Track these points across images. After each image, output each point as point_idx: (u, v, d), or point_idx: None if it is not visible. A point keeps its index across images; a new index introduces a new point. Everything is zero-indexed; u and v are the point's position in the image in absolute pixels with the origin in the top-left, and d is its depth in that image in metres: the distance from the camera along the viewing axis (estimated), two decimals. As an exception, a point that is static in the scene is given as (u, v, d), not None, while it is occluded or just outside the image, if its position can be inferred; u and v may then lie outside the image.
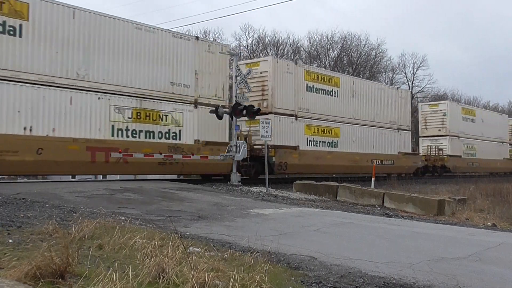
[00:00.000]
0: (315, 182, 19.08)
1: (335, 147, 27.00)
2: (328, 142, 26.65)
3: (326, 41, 63.08)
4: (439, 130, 39.75)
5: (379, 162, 29.29)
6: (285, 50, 60.79)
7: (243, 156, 19.37)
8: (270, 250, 6.27)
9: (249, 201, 14.06)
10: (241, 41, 59.43)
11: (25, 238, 6.21)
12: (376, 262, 6.33)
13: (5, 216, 8.01)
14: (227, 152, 19.48)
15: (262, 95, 23.76)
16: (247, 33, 76.87)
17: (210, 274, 4.54)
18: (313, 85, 26.05)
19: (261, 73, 23.89)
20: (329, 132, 26.69)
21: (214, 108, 19.57)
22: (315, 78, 26.31)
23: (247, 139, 22.03)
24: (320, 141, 26.10)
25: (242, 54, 53.23)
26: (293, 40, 62.93)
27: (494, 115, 49.42)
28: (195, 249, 6.13)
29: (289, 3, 53.84)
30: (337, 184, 17.93)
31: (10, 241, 6.06)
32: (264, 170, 21.11)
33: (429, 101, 55.44)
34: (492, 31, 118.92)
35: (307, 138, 25.41)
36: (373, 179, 21.18)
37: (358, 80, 32.42)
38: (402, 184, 23.53)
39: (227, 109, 19.80)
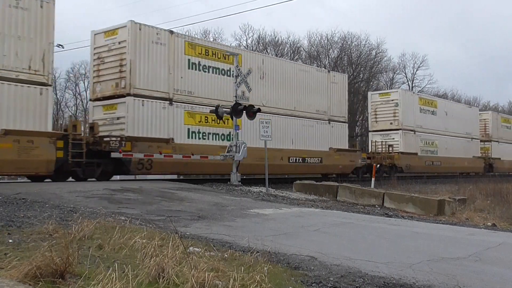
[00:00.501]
0: (315, 182, 19.10)
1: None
2: (223, 134, 21.50)
3: (326, 41, 63.13)
4: (391, 123, 34.11)
5: (299, 160, 24.78)
6: (285, 50, 60.86)
7: (243, 156, 19.28)
8: (270, 250, 6.27)
9: (249, 201, 14.07)
10: (241, 41, 59.46)
11: (25, 238, 6.21)
12: (376, 262, 6.33)
13: (5, 216, 8.01)
14: (227, 152, 19.41)
15: (120, 71, 18.70)
16: (246, 33, 76.87)
17: (210, 274, 4.54)
18: (199, 62, 20.88)
19: (119, 43, 18.88)
20: (224, 122, 21.17)
21: (214, 108, 19.52)
22: (203, 52, 21.13)
23: (93, 128, 18.05)
24: (210, 133, 21.06)
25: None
26: (293, 40, 63.06)
27: (461, 108, 43.72)
28: (195, 249, 6.13)
29: (288, 3, 53.73)
30: (337, 184, 17.95)
31: (10, 241, 6.06)
32: (116, 169, 18.56)
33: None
34: (492, 31, 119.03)
35: (189, 128, 20.34)
36: (373, 179, 21.19)
37: (270, 58, 26.43)
38: (402, 184, 23.53)
39: (227, 109, 19.69)
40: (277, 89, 24.12)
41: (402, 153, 33.25)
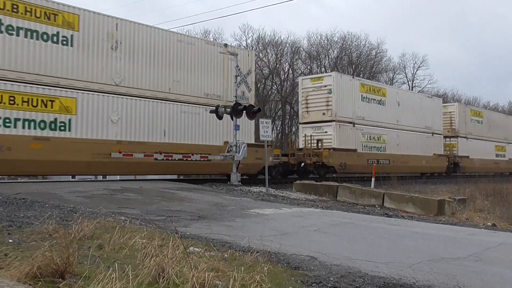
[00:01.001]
0: (315, 182, 19.10)
1: (64, 130, 16.59)
2: (43, 121, 16.13)
3: (325, 41, 63.14)
4: (323, 114, 27.82)
5: (176, 158, 19.42)
6: (285, 50, 60.88)
7: (243, 156, 19.28)
8: (270, 250, 6.27)
9: (249, 201, 14.07)
10: (241, 41, 59.48)
11: (25, 238, 6.21)
12: (376, 262, 6.33)
13: (5, 216, 8.01)
14: (227, 152, 19.41)
15: None
16: (246, 33, 76.98)
17: (210, 274, 4.54)
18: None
19: None
20: (46, 105, 16.20)
21: (214, 108, 19.51)
22: (8, 8, 15.55)
23: None
24: (19, 119, 15.62)
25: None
26: (293, 40, 63.06)
27: (419, 98, 36.74)
28: (195, 249, 6.13)
29: (287, 3, 53.99)
30: (337, 184, 17.94)
31: (10, 241, 6.06)
32: None
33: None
34: (492, 31, 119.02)
35: None
36: (373, 179, 21.16)
37: (129, 24, 18.77)
38: (402, 184, 23.50)
39: (227, 109, 19.65)
40: (142, 65, 18.63)
41: (334, 149, 27.09)
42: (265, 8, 77.59)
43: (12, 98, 15.56)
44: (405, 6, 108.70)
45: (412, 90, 66.43)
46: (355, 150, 28.44)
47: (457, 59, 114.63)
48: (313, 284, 5.18)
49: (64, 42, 16.83)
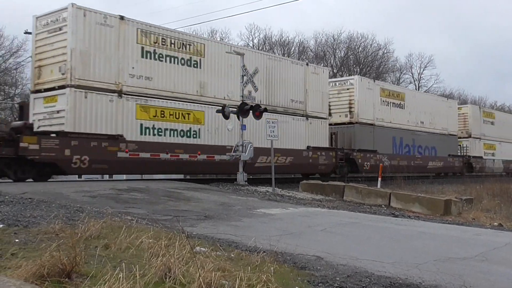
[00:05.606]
0: (321, 182, 19.06)
1: None
2: None
3: (332, 41, 63.08)
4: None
5: None
6: (292, 50, 60.89)
7: (250, 155, 19.21)
8: (276, 250, 6.27)
9: (255, 201, 14.06)
10: (247, 41, 59.53)
11: (32, 237, 6.22)
12: (382, 262, 6.32)
13: (11, 215, 8.03)
14: (233, 152, 19.34)
15: None
16: (253, 33, 76.86)
17: (217, 273, 4.54)
18: None
19: None
20: None
21: (220, 108, 19.46)
22: None
23: None
24: None
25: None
26: (300, 40, 63.09)
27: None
28: (202, 248, 6.13)
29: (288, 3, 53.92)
30: (344, 184, 17.91)
31: (17, 240, 6.08)
32: None
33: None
34: (499, 31, 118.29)
35: None
36: (379, 179, 21.09)
37: None
38: (409, 184, 23.40)
39: (234, 109, 19.57)
40: None
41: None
42: (259, 7, 77.48)
43: None
44: (409, 6, 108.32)
45: (418, 90, 65.70)
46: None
47: (464, 59, 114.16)
48: (319, 284, 5.18)
49: None
